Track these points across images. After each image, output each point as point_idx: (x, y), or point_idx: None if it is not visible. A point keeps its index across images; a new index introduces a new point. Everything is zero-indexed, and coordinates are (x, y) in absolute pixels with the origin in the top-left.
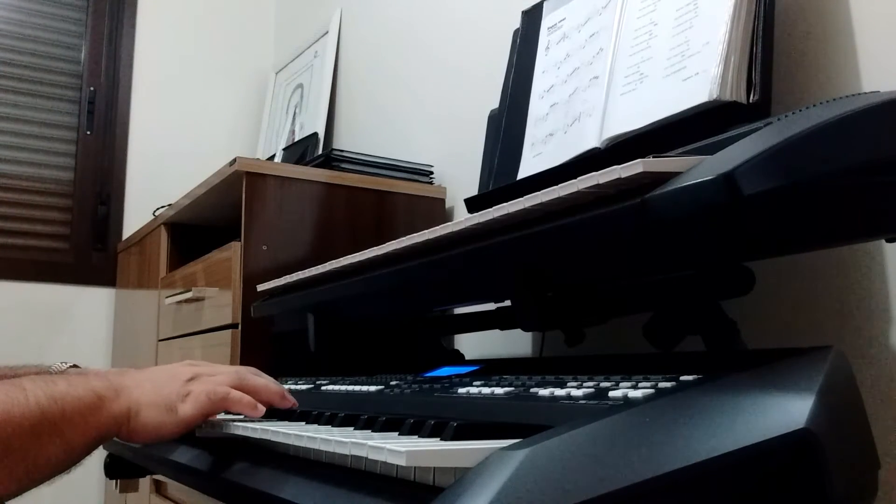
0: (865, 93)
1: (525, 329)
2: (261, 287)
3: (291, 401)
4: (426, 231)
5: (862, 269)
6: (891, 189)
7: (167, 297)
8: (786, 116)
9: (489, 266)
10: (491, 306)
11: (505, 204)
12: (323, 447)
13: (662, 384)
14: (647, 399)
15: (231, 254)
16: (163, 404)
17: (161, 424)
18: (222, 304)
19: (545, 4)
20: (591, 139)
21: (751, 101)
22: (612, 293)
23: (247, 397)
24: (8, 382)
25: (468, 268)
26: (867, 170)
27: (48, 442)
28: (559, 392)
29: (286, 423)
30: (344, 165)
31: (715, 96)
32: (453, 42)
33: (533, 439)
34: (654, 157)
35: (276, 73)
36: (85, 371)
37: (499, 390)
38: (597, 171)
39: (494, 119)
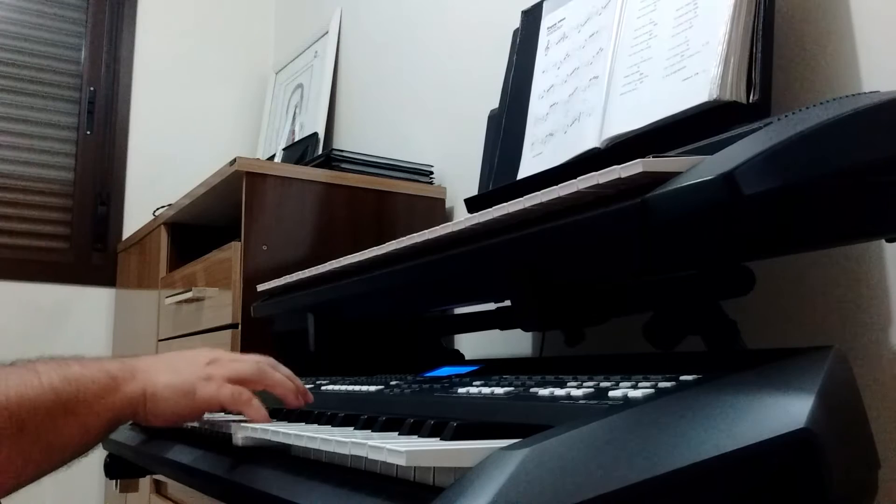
0: (865, 93)
1: (525, 329)
2: (261, 287)
3: (307, 398)
4: (426, 231)
5: (862, 269)
6: (891, 189)
7: (167, 297)
8: (786, 116)
9: (489, 266)
10: (491, 306)
11: (505, 204)
12: (323, 447)
13: (662, 384)
14: (647, 399)
15: (231, 254)
16: (180, 387)
17: (178, 406)
18: (222, 304)
19: (545, 4)
20: (590, 139)
21: (751, 101)
22: (612, 293)
23: (263, 411)
24: (21, 366)
25: (468, 268)
26: (867, 170)
27: (63, 423)
28: (559, 392)
29: (286, 423)
30: (344, 165)
31: (715, 96)
32: (453, 42)
33: (533, 439)
34: (654, 157)
35: (276, 73)
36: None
37: (499, 390)
38: (597, 171)
39: (494, 119)
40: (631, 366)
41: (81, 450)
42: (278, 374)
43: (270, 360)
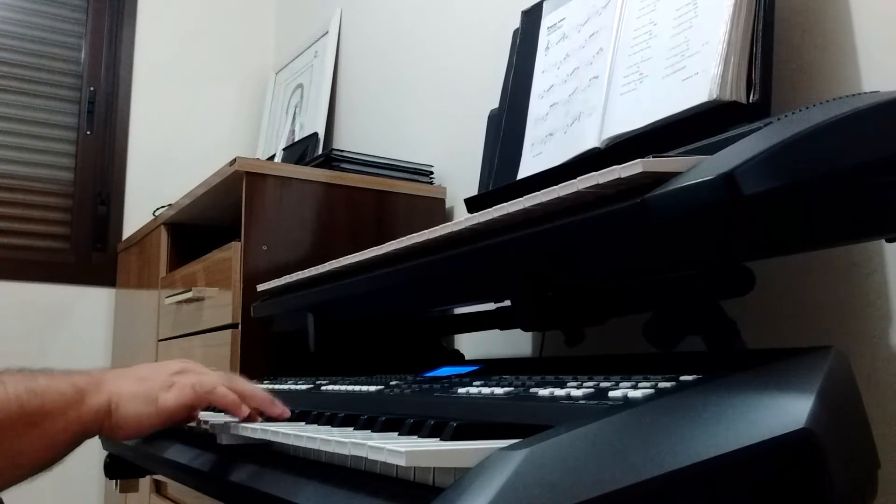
0: (865, 93)
1: (525, 329)
2: (261, 287)
3: (281, 408)
4: (426, 231)
5: (862, 269)
6: (891, 189)
7: (167, 297)
8: (786, 116)
9: (489, 266)
10: (491, 306)
11: (505, 204)
12: (323, 447)
13: (662, 384)
14: (647, 399)
15: (231, 254)
16: (143, 395)
17: (141, 415)
18: (222, 304)
19: (545, 4)
20: (590, 139)
21: (751, 101)
22: (612, 293)
23: (232, 394)
24: None
25: (468, 268)
26: (867, 170)
27: (28, 436)
28: (559, 392)
29: (286, 423)
30: (344, 165)
31: (715, 96)
32: (453, 42)
33: (533, 439)
34: (654, 157)
35: (276, 73)
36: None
37: (499, 390)
38: (597, 171)
39: (494, 119)
40: (631, 366)
41: (47, 463)
42: (249, 386)
43: (241, 377)
